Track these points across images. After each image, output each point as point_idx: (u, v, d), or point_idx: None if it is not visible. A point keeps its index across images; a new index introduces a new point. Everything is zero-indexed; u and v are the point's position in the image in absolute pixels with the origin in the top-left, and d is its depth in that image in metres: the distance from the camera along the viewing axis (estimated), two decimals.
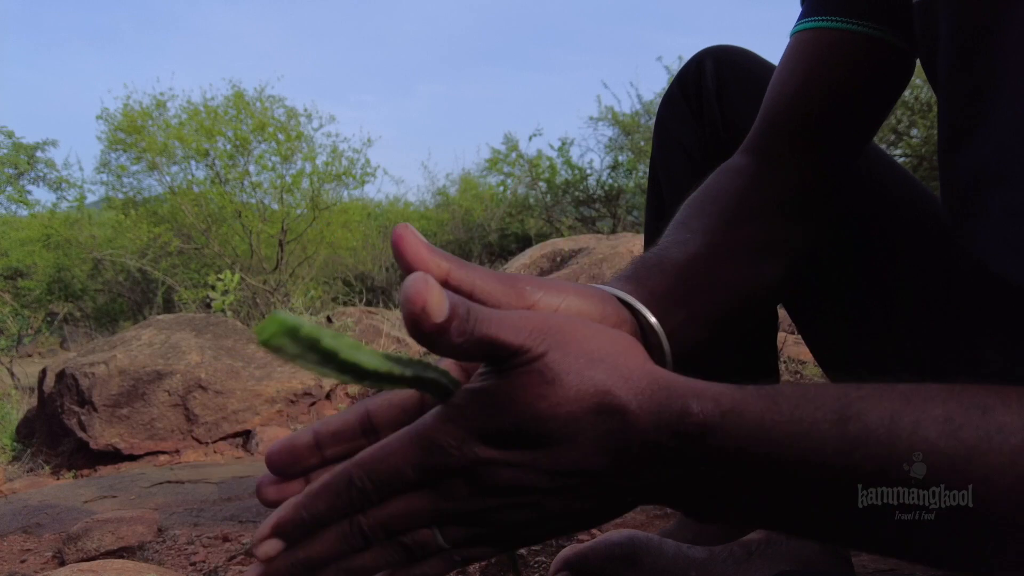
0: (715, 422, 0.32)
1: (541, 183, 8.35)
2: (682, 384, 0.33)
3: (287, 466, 0.39)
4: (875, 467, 0.30)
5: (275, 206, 7.08)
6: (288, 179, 7.04)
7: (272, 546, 0.34)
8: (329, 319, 4.67)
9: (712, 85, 0.72)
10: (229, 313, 4.87)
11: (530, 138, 10.61)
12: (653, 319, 0.45)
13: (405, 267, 0.36)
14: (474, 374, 0.35)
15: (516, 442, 0.33)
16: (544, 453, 0.33)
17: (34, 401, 2.94)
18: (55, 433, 2.57)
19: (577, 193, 8.09)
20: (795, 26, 0.59)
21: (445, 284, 0.36)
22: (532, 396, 0.32)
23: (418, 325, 0.30)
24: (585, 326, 0.35)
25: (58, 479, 2.35)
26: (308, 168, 7.14)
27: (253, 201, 7.05)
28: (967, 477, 0.29)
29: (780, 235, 0.56)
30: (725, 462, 0.32)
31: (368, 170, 7.45)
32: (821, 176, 0.58)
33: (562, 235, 6.69)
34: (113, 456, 2.40)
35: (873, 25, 0.55)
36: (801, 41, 0.58)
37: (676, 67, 7.51)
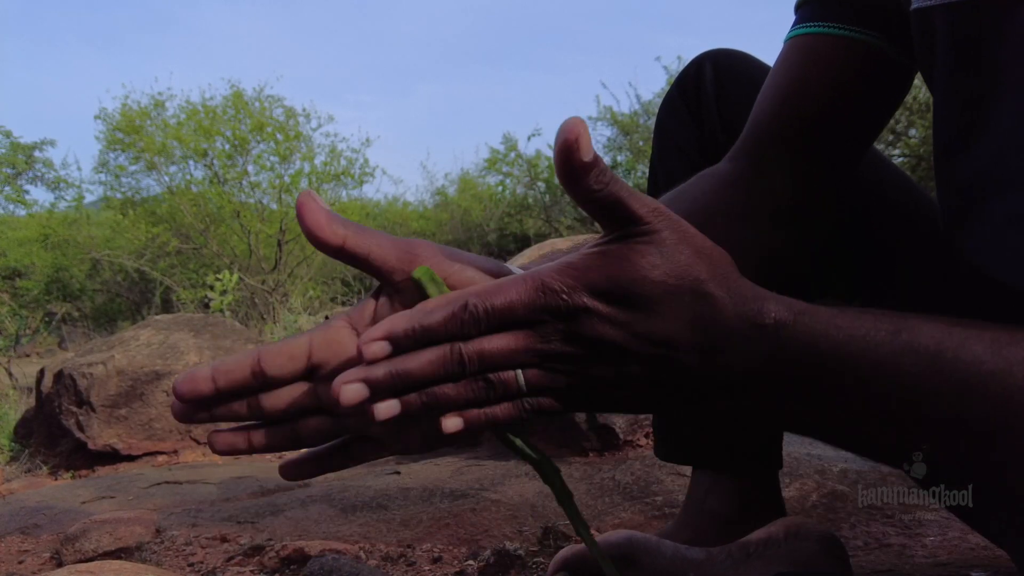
0: (788, 319, 0.36)
1: (540, 183, 8.35)
2: (763, 290, 0.37)
3: (193, 397, 0.39)
4: (921, 372, 0.34)
5: (274, 206, 7.08)
6: (287, 179, 7.04)
7: (380, 347, 0.36)
8: (328, 319, 4.66)
9: (711, 89, 0.72)
10: (227, 313, 4.87)
11: (529, 138, 10.63)
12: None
13: (306, 232, 0.38)
14: (588, 243, 0.38)
15: (619, 301, 0.36)
16: (641, 316, 0.36)
17: (32, 401, 2.94)
18: (53, 433, 2.57)
19: None
20: (789, 31, 0.59)
21: (342, 249, 0.39)
22: (645, 263, 0.35)
23: (569, 158, 0.33)
24: (694, 228, 0.38)
25: (56, 479, 2.35)
26: (307, 168, 7.15)
27: (252, 201, 7.06)
28: (1006, 389, 0.33)
29: (752, 239, 0.56)
30: (792, 353, 0.36)
31: (367, 170, 7.47)
32: (811, 184, 0.58)
33: (561, 235, 6.69)
34: (111, 456, 2.40)
35: (870, 33, 0.55)
36: (795, 47, 0.58)
37: (675, 67, 7.52)
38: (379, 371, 0.36)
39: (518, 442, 0.41)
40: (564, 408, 0.39)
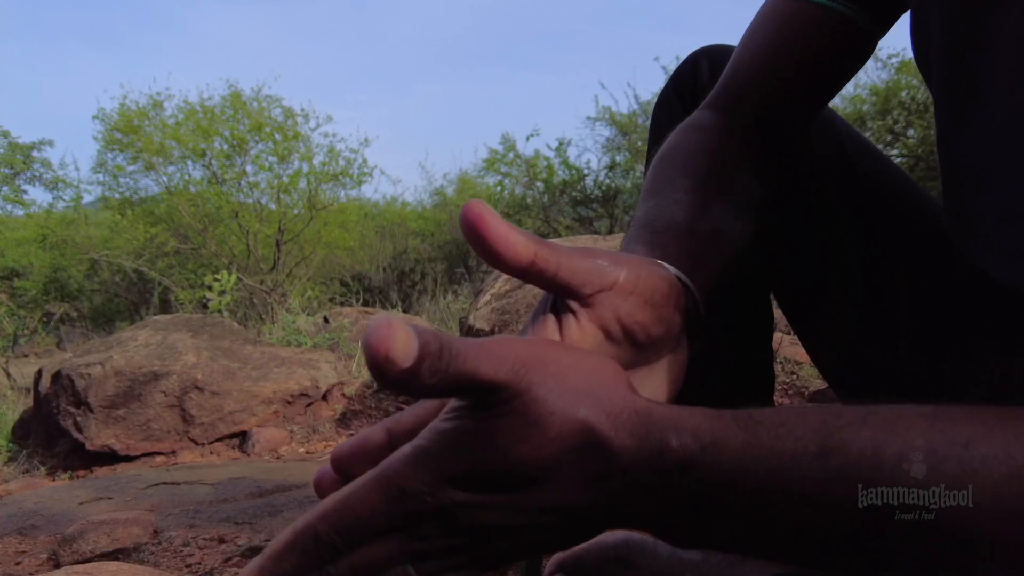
0: (694, 457, 0.31)
1: (539, 183, 8.35)
2: (663, 416, 0.32)
3: (356, 468, 0.36)
4: (854, 503, 0.30)
5: (272, 206, 7.07)
6: (285, 179, 7.03)
7: None
8: (326, 319, 4.67)
9: (707, 85, 0.72)
10: (226, 314, 4.86)
11: (527, 138, 10.63)
12: (695, 291, 0.44)
13: (486, 250, 0.34)
14: (443, 410, 0.32)
15: (492, 486, 0.31)
16: (524, 494, 0.31)
17: (30, 402, 2.94)
18: (51, 434, 2.57)
19: (574, 193, 8.09)
20: None
21: (531, 266, 0.35)
22: (513, 440, 0.30)
23: (385, 374, 0.27)
24: (567, 354, 0.34)
25: (54, 480, 2.35)
26: (305, 168, 7.14)
27: (250, 201, 7.05)
28: (956, 514, 0.29)
29: (753, 191, 0.56)
30: (705, 495, 0.31)
31: (365, 170, 7.45)
32: (775, 139, 0.59)
33: (559, 235, 6.69)
34: (109, 457, 2.39)
35: (847, 5, 0.56)
36: (776, 9, 0.59)
37: (673, 67, 7.51)
38: None
39: None
40: (482, 571, 0.35)
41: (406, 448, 0.32)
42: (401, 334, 0.27)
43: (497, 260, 0.34)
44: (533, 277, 0.36)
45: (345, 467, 0.38)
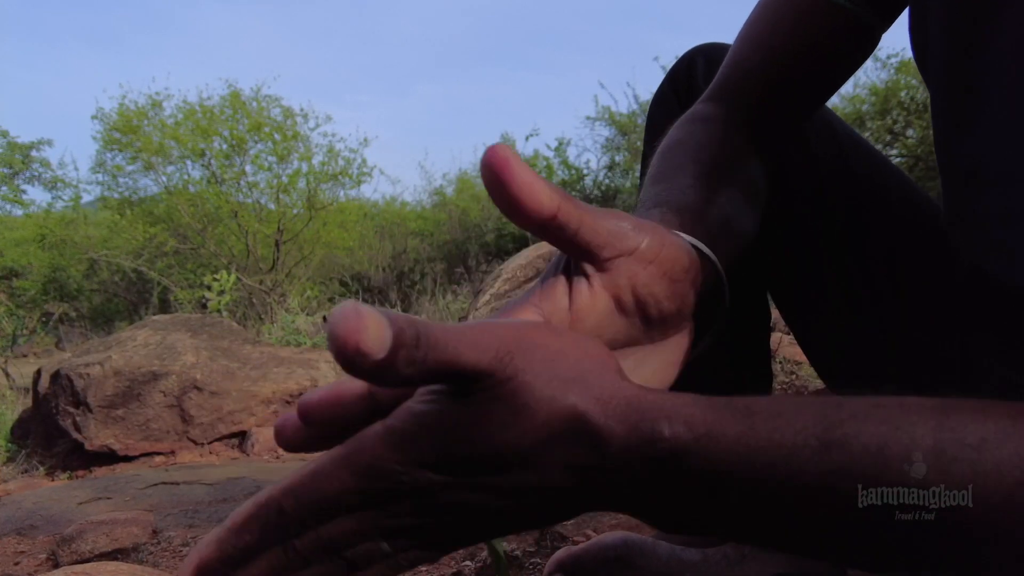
0: (688, 446, 0.29)
1: None
2: (655, 404, 0.30)
3: (327, 419, 0.34)
4: (855, 498, 0.29)
5: (271, 206, 7.07)
6: (284, 179, 7.03)
7: None
8: (325, 319, 4.66)
9: (703, 83, 0.72)
10: (225, 313, 4.86)
11: (527, 138, 10.63)
12: (722, 269, 0.42)
13: (508, 197, 0.32)
14: (418, 391, 0.31)
15: (471, 470, 0.30)
16: (504, 478, 0.30)
17: (29, 402, 2.93)
18: (50, 434, 2.57)
19: (574, 193, 8.08)
20: None
21: (553, 219, 0.33)
22: (495, 428, 0.29)
23: (356, 367, 0.26)
24: (555, 338, 0.32)
25: (53, 480, 2.34)
26: (304, 168, 7.14)
27: (249, 201, 7.05)
28: (960, 513, 0.28)
29: (758, 184, 0.55)
30: (698, 486, 0.30)
31: (364, 170, 7.45)
32: (773, 133, 0.59)
33: None
34: (108, 457, 2.39)
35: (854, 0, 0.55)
36: (776, 0, 0.58)
37: None
38: None
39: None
40: (448, 552, 0.33)
41: (378, 427, 0.30)
42: (372, 323, 0.25)
43: (518, 210, 0.32)
44: (552, 233, 0.34)
45: (313, 417, 0.34)
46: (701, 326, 0.43)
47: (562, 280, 0.37)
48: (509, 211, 0.33)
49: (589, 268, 0.36)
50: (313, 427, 0.34)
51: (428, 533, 0.32)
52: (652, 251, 0.37)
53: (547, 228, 0.34)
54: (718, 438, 0.29)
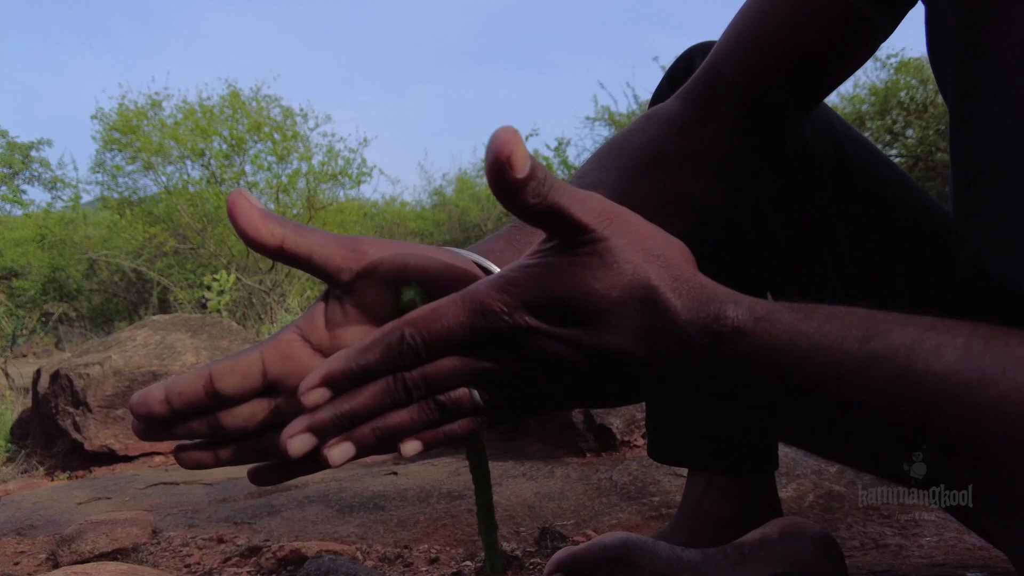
0: (748, 327, 0.33)
1: None
2: (723, 291, 0.35)
3: (148, 416, 0.38)
4: (891, 386, 0.32)
5: (271, 206, 7.07)
6: (284, 179, 7.03)
7: (320, 394, 0.35)
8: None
9: None
10: (225, 313, 4.86)
11: (526, 138, 10.58)
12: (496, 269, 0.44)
13: (240, 234, 0.37)
14: (529, 250, 0.36)
15: (563, 317, 0.34)
16: (588, 331, 0.34)
17: (28, 402, 2.93)
18: (49, 434, 2.57)
19: None
20: None
21: (280, 250, 0.37)
22: (588, 276, 0.33)
23: (502, 175, 0.31)
24: (646, 224, 0.36)
25: (52, 480, 2.34)
26: (304, 168, 7.14)
27: None
28: (979, 403, 0.31)
29: (695, 191, 0.55)
30: (752, 365, 0.33)
31: (364, 170, 7.45)
32: (756, 137, 0.57)
33: None
34: (108, 457, 2.39)
35: None
36: None
37: None
38: (323, 416, 0.35)
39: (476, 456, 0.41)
40: (517, 419, 0.38)
41: (493, 276, 0.35)
42: (522, 147, 0.31)
43: (250, 243, 0.37)
44: (290, 261, 0.38)
45: (144, 419, 0.38)
46: None
47: (320, 304, 0.40)
48: (247, 244, 0.38)
49: (338, 291, 0.39)
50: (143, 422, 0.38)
51: (516, 387, 0.36)
52: (395, 267, 0.39)
53: (283, 255, 0.38)
54: (776, 322, 0.34)
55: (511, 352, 0.35)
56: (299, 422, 0.35)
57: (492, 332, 0.34)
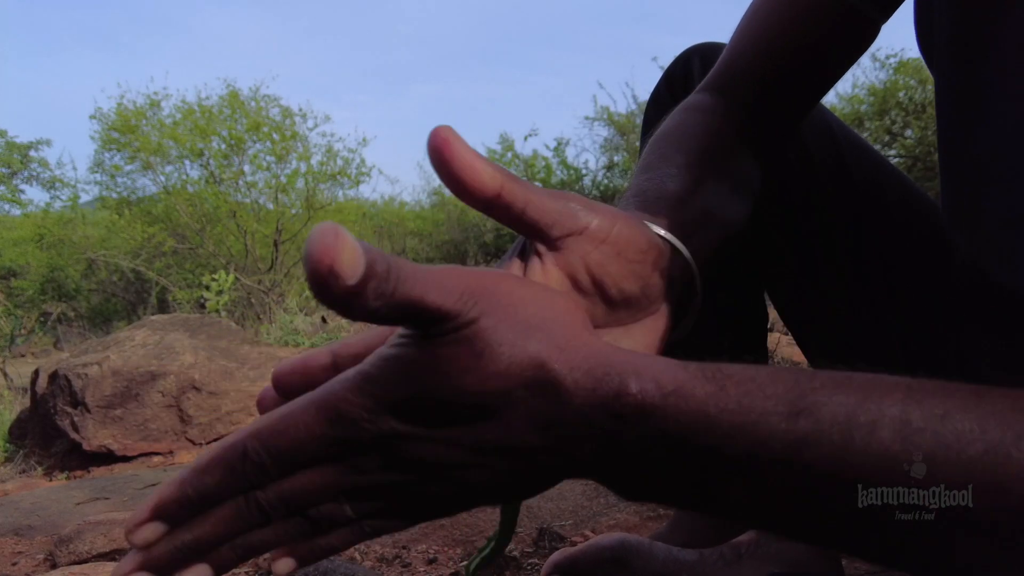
0: (655, 404, 0.29)
1: (537, 183, 8.34)
2: (622, 359, 0.30)
3: (296, 389, 0.34)
4: (827, 469, 0.28)
5: (270, 206, 7.07)
6: (283, 179, 7.03)
7: (152, 531, 0.30)
8: (324, 319, 4.67)
9: (699, 83, 0.72)
10: (223, 313, 4.86)
11: (526, 138, 10.62)
12: (689, 256, 0.42)
13: (451, 177, 0.32)
14: (390, 337, 0.31)
15: (435, 418, 0.29)
16: (467, 429, 0.29)
17: (27, 402, 2.93)
18: (48, 434, 2.56)
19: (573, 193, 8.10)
20: None
21: (496, 199, 0.33)
22: (458, 369, 0.28)
23: (326, 289, 0.25)
24: (522, 286, 0.32)
25: (51, 480, 2.34)
26: (303, 168, 7.14)
27: (248, 201, 7.05)
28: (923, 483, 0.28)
29: (750, 174, 0.55)
30: (663, 447, 0.29)
31: (363, 170, 7.46)
32: (771, 127, 0.59)
33: None
34: (106, 457, 2.39)
35: None
36: None
37: None
38: (159, 551, 0.30)
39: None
40: (412, 524, 0.33)
41: (349, 372, 0.30)
42: (348, 247, 0.25)
43: (462, 189, 0.33)
44: (499, 212, 0.34)
45: (286, 386, 0.35)
46: (678, 313, 0.43)
47: (516, 261, 0.37)
48: (455, 191, 0.33)
49: (541, 247, 0.37)
50: (287, 397, 0.34)
51: (392, 496, 0.31)
52: (603, 230, 0.37)
53: (493, 207, 0.34)
54: (687, 397, 0.29)
55: (383, 460, 0.30)
56: (130, 559, 0.30)
57: (353, 442, 0.29)
